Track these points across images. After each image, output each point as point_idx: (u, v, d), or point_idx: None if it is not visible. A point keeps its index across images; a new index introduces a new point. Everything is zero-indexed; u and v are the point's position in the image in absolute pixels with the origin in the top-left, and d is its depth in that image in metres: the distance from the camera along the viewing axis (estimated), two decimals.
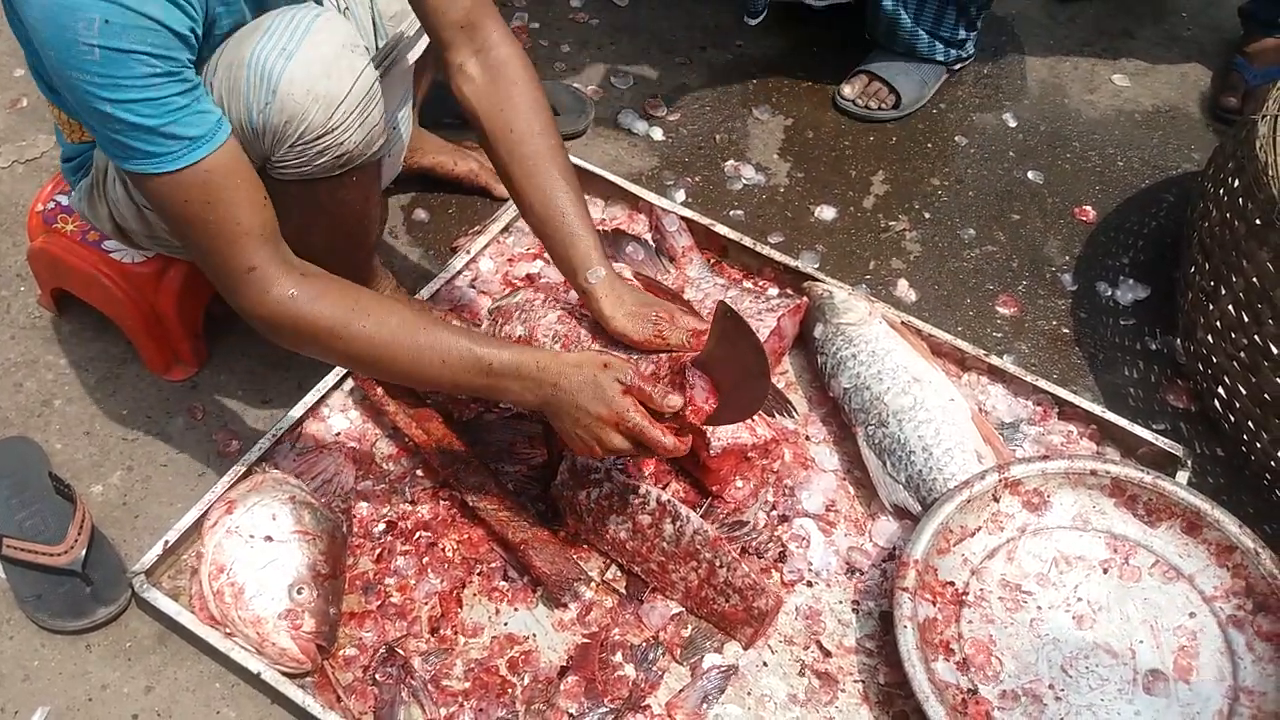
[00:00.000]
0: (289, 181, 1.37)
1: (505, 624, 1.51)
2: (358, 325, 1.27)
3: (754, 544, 1.57)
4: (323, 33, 1.29)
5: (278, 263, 1.25)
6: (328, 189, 1.40)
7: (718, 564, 1.47)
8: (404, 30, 1.62)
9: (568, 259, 1.45)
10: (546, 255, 1.92)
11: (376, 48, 1.62)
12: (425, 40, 1.65)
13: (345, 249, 1.59)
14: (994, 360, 1.76)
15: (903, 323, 1.77)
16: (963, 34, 2.25)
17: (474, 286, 1.89)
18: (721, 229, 1.92)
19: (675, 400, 1.31)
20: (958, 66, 2.31)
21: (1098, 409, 1.71)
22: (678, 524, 1.48)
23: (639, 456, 1.38)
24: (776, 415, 1.69)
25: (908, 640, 1.40)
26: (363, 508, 1.61)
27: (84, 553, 1.52)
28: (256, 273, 1.24)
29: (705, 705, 1.43)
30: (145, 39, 1.11)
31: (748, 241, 1.90)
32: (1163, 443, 1.66)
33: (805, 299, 1.79)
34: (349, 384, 1.72)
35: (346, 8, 1.57)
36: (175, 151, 1.16)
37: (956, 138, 2.27)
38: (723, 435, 1.54)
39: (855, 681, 1.48)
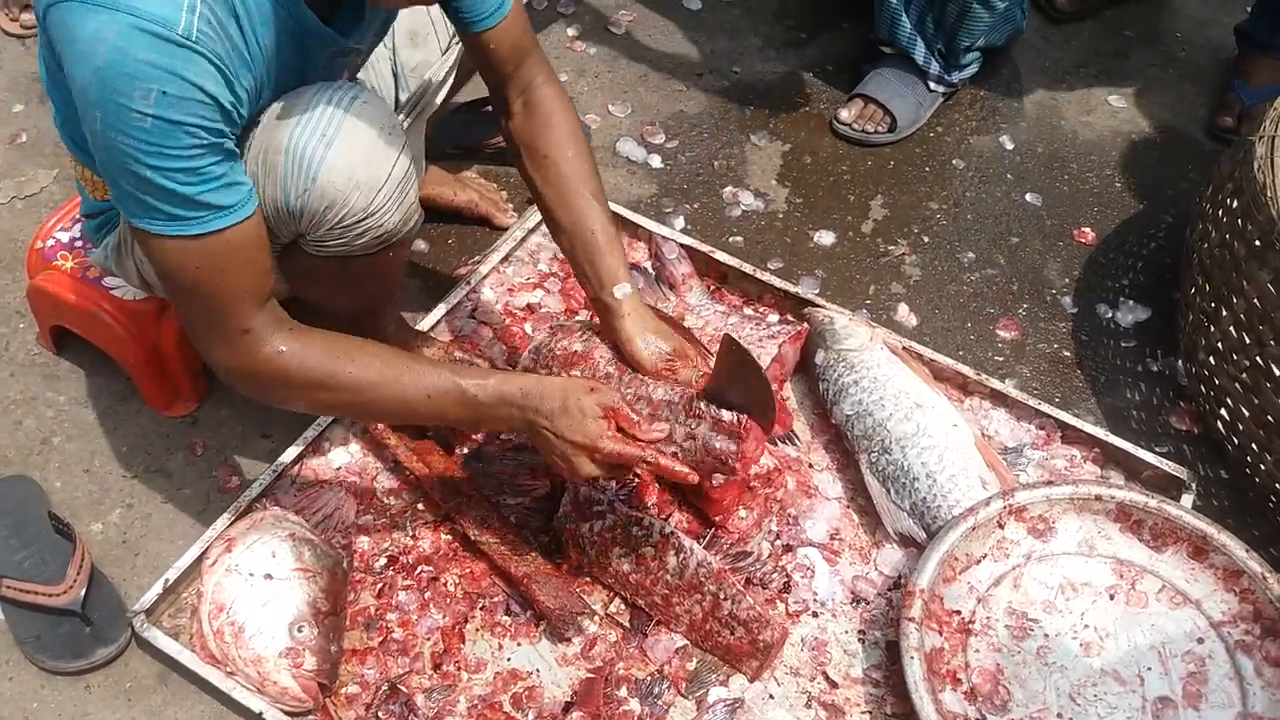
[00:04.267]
0: (326, 256, 1.38)
1: (509, 659, 1.50)
2: (343, 374, 1.27)
3: (758, 575, 1.56)
4: (361, 117, 1.29)
5: (270, 322, 1.25)
6: (364, 263, 1.41)
7: (722, 596, 1.46)
8: (431, 78, 1.63)
9: (595, 274, 1.47)
10: (547, 285, 1.93)
11: (398, 99, 1.63)
12: (447, 87, 1.67)
13: (370, 307, 1.61)
14: (996, 384, 1.76)
15: (904, 348, 1.77)
16: (963, 58, 2.27)
17: (474, 316, 1.88)
18: (721, 256, 1.92)
19: (661, 429, 1.34)
20: (955, 80, 2.31)
21: (1101, 433, 1.70)
22: (681, 556, 1.47)
23: (616, 477, 1.41)
24: (779, 443, 1.69)
25: (915, 671, 1.39)
26: (364, 542, 1.60)
27: (83, 592, 1.51)
28: (251, 334, 1.24)
29: None
30: (197, 112, 1.11)
31: (747, 268, 1.90)
32: (1167, 466, 1.66)
33: (806, 325, 1.79)
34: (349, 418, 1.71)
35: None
36: (201, 218, 1.15)
37: (954, 161, 2.27)
38: None
39: (862, 713, 1.47)
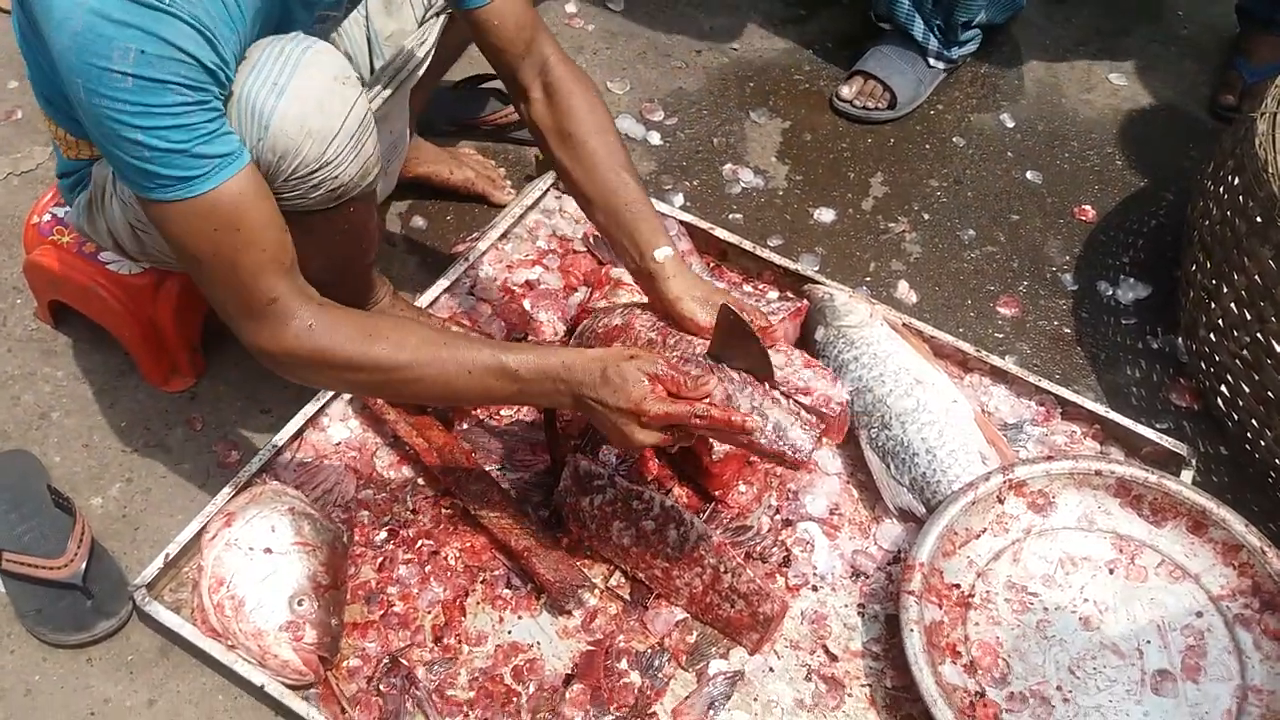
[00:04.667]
0: (285, 213, 1.35)
1: (509, 632, 1.50)
2: (377, 350, 1.24)
3: (758, 549, 1.56)
4: (314, 66, 1.26)
5: (297, 293, 1.23)
6: (324, 219, 1.38)
7: (722, 569, 1.46)
8: (412, 50, 1.61)
9: (633, 241, 1.46)
10: (545, 262, 1.93)
11: (372, 67, 1.62)
12: (426, 58, 1.65)
13: (344, 272, 1.59)
14: (996, 361, 1.76)
15: (904, 324, 1.77)
16: (961, 34, 2.26)
17: (473, 293, 1.88)
18: (721, 233, 1.91)
19: (707, 381, 1.26)
20: (955, 57, 2.30)
21: (1101, 409, 1.70)
22: (681, 530, 1.48)
23: (678, 444, 1.33)
24: None
25: (914, 644, 1.40)
26: (364, 517, 1.60)
27: (84, 566, 1.51)
28: (278, 304, 1.21)
29: (712, 711, 1.43)
30: (178, 71, 1.09)
31: (747, 245, 1.90)
32: (1167, 442, 1.66)
33: (806, 302, 1.78)
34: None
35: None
36: (207, 171, 1.13)
37: (954, 139, 2.26)
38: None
39: (862, 686, 1.47)
